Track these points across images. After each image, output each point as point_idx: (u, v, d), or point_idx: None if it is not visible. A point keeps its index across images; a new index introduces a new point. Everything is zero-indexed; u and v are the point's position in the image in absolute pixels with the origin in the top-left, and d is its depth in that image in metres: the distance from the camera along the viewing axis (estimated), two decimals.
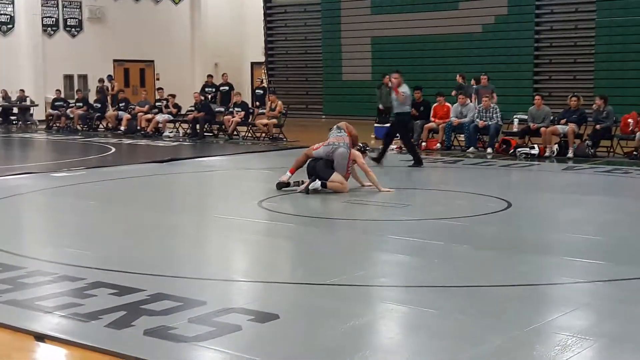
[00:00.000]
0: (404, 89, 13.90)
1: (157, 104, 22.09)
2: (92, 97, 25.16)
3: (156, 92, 23.48)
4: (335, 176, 10.46)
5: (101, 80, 25.44)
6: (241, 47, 32.31)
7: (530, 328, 4.86)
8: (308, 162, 10.75)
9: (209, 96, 23.19)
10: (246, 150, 17.26)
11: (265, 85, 29.85)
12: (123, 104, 22.54)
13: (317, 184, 10.33)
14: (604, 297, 5.69)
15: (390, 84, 21.09)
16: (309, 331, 4.92)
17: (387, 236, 7.89)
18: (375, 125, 20.35)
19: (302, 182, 10.55)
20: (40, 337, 4.80)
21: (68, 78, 27.93)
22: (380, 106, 20.95)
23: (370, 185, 10.62)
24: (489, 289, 5.85)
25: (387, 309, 5.36)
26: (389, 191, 10.53)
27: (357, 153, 10.76)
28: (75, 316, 5.10)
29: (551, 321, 5.03)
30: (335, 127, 11.14)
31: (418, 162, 13.70)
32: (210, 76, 24.93)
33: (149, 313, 5.14)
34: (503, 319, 5.10)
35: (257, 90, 23.58)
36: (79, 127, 22.92)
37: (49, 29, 27.49)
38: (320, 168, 10.56)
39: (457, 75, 20.11)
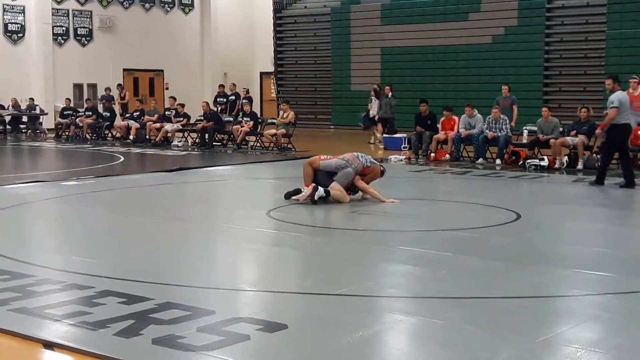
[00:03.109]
0: (618, 96, 12.22)
1: (166, 113, 22.16)
2: (100, 107, 25.23)
3: (168, 100, 23.51)
4: (336, 185, 10.49)
5: (107, 89, 25.53)
6: (251, 57, 32.41)
7: (539, 340, 4.84)
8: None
9: (219, 107, 23.24)
10: (255, 160, 17.29)
11: (274, 95, 29.97)
12: (137, 113, 22.61)
13: (322, 191, 10.33)
14: (614, 309, 5.66)
15: (389, 93, 21.39)
16: (318, 341, 4.91)
17: (396, 247, 7.87)
18: (384, 135, 20.38)
19: (301, 191, 10.56)
20: (49, 345, 4.80)
21: (78, 87, 28.05)
22: (376, 116, 21.22)
23: (392, 201, 10.57)
24: (498, 300, 5.83)
25: (395, 320, 5.34)
26: (393, 202, 10.53)
27: (357, 177, 10.76)
28: (84, 324, 5.11)
29: (561, 333, 5.01)
30: (368, 156, 11.06)
31: (630, 184, 12.08)
32: (221, 86, 24.99)
33: (157, 322, 5.13)
34: (512, 330, 5.07)
35: (218, 99, 23.69)
36: (88, 136, 23.00)
37: (60, 38, 27.63)
38: (322, 176, 10.62)
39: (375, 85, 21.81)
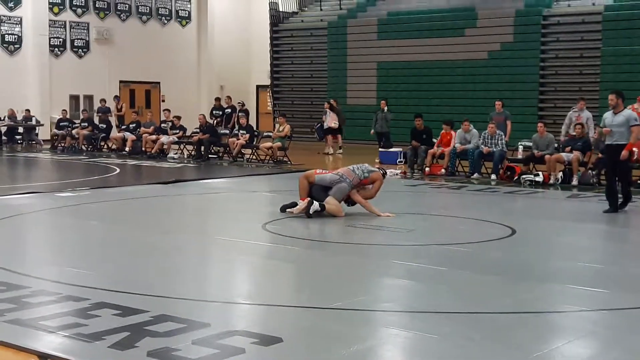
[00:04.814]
0: (635, 115, 11.36)
1: (162, 125, 22.19)
2: (96, 118, 25.25)
3: (162, 113, 23.54)
4: (331, 199, 10.50)
5: (102, 101, 25.60)
6: (247, 70, 32.48)
7: (534, 356, 4.85)
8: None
9: (215, 120, 23.35)
10: (250, 173, 17.30)
11: (270, 108, 30.06)
12: (133, 125, 22.64)
13: (316, 205, 10.34)
14: (608, 325, 5.67)
15: (385, 108, 21.66)
16: (312, 355, 4.91)
17: (391, 261, 7.88)
18: (380, 149, 20.44)
19: (297, 204, 10.58)
20: (44, 357, 4.80)
21: (74, 98, 28.04)
22: (372, 131, 21.61)
23: (388, 215, 10.60)
24: (493, 315, 5.84)
25: (390, 334, 5.35)
26: (388, 216, 10.55)
27: (353, 191, 10.76)
28: (79, 336, 5.10)
29: (555, 349, 5.01)
30: (364, 166, 10.97)
31: (624, 203, 11.43)
32: (217, 99, 25.11)
33: (152, 334, 5.13)
34: (507, 346, 5.08)
35: (215, 111, 24.01)
36: (83, 148, 23.00)
37: (56, 49, 27.66)
38: (317, 190, 10.64)
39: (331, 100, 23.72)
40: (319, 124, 23.38)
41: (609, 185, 11.56)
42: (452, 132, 17.07)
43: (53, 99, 27.06)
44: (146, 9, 30.05)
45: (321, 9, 30.13)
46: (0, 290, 6.30)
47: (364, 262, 7.89)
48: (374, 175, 10.89)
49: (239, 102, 24.54)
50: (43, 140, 25.10)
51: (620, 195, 11.50)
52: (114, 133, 23.57)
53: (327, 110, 22.92)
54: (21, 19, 26.85)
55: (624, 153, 11.16)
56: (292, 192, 11.45)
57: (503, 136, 16.42)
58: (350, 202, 10.79)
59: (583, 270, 7.54)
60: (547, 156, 15.33)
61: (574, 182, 14.93)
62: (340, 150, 22.49)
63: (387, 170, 16.63)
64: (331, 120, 22.77)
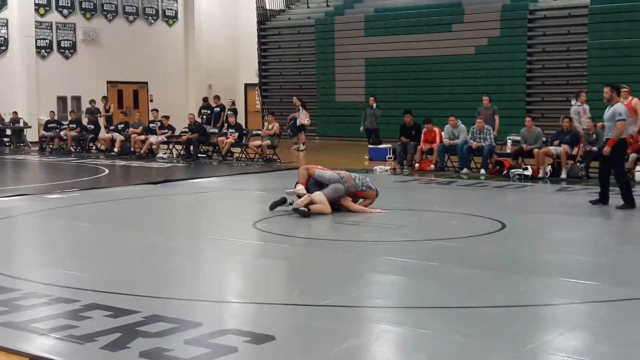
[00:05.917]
0: (623, 109, 11.14)
1: (151, 125, 22.14)
2: (84, 119, 25.15)
3: (150, 113, 23.48)
4: (321, 194, 10.49)
5: (92, 102, 25.53)
6: (235, 68, 32.43)
7: (526, 349, 4.87)
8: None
9: (204, 117, 23.36)
10: (240, 172, 17.29)
11: (258, 106, 30.05)
12: (122, 125, 22.57)
13: (302, 208, 10.33)
14: (599, 318, 5.70)
15: (374, 104, 21.70)
16: (305, 352, 4.92)
17: (382, 257, 7.89)
18: (370, 146, 20.46)
19: (286, 200, 10.69)
20: (36, 359, 4.78)
21: (61, 100, 27.93)
22: (362, 128, 21.67)
23: (378, 212, 10.62)
24: (485, 309, 5.86)
25: (382, 330, 5.36)
26: (379, 212, 10.57)
27: (345, 196, 10.76)
28: (71, 338, 5.10)
29: (547, 342, 5.04)
30: (366, 179, 11.05)
31: (630, 204, 10.98)
32: (205, 99, 25.10)
33: (144, 335, 5.13)
34: (499, 339, 5.10)
35: (202, 110, 24.04)
36: (72, 149, 22.91)
37: (43, 50, 27.54)
38: (312, 185, 10.69)
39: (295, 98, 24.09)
40: (292, 121, 23.58)
41: (600, 178, 11.51)
42: (436, 129, 17.06)
43: (40, 100, 26.94)
44: (133, 9, 29.96)
45: (308, 7, 30.12)
46: None
47: (355, 258, 7.90)
48: (370, 192, 10.99)
49: (230, 100, 24.54)
50: (31, 142, 25.01)
51: (617, 190, 11.39)
52: (103, 134, 23.49)
53: (299, 107, 23.29)
54: (7, 21, 26.70)
55: (606, 149, 11.01)
56: (282, 190, 11.44)
57: (491, 131, 16.46)
58: (337, 206, 10.74)
59: (573, 263, 7.57)
60: (535, 150, 15.39)
61: (563, 175, 14.98)
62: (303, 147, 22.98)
63: (376, 167, 16.76)
64: (304, 117, 23.22)
